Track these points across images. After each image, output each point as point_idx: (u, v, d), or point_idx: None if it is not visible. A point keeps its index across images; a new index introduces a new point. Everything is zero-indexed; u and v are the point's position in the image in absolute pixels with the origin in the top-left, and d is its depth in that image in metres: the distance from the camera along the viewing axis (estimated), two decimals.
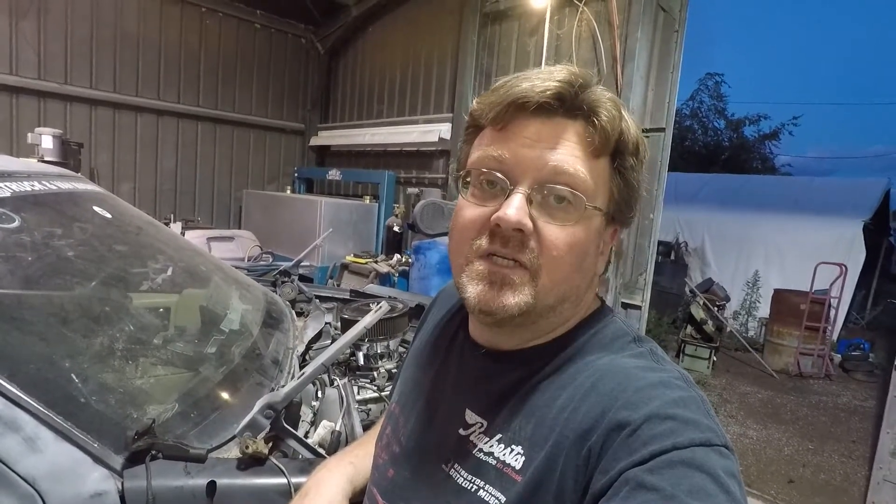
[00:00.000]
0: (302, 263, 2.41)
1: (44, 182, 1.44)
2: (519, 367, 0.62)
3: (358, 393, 1.48)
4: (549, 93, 0.54)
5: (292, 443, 1.05)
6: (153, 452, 0.89)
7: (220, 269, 1.86)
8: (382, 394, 1.50)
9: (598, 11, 3.74)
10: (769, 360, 6.07)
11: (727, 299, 6.78)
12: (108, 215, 1.60)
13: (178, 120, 5.81)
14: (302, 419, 1.26)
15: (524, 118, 0.56)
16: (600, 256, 0.62)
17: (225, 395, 1.20)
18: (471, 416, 0.63)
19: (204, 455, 0.93)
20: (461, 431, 0.63)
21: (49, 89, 4.87)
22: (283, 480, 0.92)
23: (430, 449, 0.66)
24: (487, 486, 0.56)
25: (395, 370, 1.58)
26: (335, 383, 1.41)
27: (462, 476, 0.59)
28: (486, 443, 0.59)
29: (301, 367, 1.43)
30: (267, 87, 6.48)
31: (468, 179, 0.59)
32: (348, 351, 1.61)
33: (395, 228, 4.90)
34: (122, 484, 0.84)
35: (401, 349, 1.74)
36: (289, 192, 6.33)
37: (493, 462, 0.57)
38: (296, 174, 6.67)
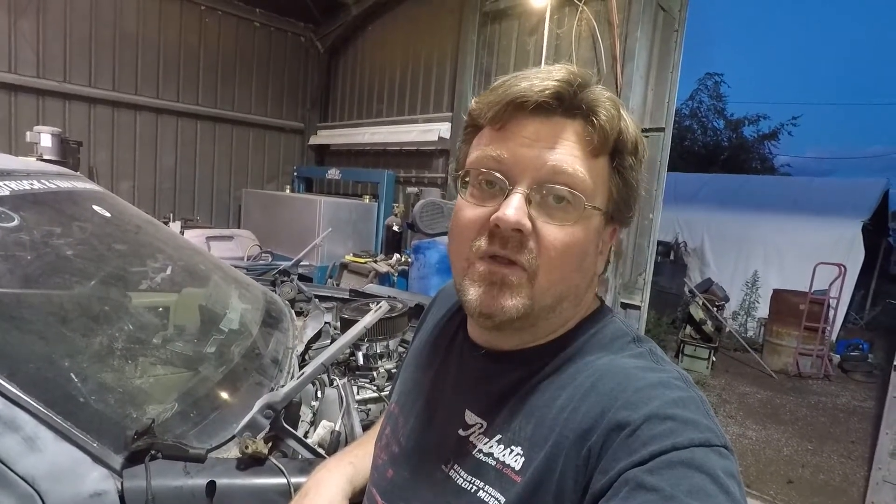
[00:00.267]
0: (301, 263, 2.41)
1: (43, 181, 1.44)
2: (519, 368, 0.62)
3: (357, 393, 1.48)
4: (547, 92, 0.54)
5: (292, 443, 1.05)
6: (153, 452, 0.89)
7: (219, 269, 1.86)
8: (382, 394, 1.50)
9: (597, 11, 3.74)
10: (768, 360, 6.08)
11: (726, 299, 6.78)
12: (108, 214, 1.60)
13: (177, 118, 5.81)
14: (301, 419, 1.26)
15: (523, 118, 0.56)
16: (599, 256, 0.62)
17: (224, 395, 1.19)
18: (470, 417, 0.63)
19: (203, 455, 0.93)
20: (461, 432, 0.63)
21: (48, 87, 4.87)
22: (282, 480, 0.92)
23: (430, 449, 0.66)
24: (487, 486, 0.56)
25: (394, 370, 1.58)
26: (335, 383, 1.41)
27: (462, 477, 0.59)
28: (485, 443, 0.59)
29: (300, 367, 1.43)
30: (266, 86, 6.47)
31: (467, 179, 0.59)
32: (348, 351, 1.61)
33: (395, 228, 4.90)
34: (122, 484, 0.84)
35: (400, 349, 1.74)
36: (288, 191, 6.33)
37: (493, 463, 0.57)
38: (295, 173, 6.66)
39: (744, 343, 6.37)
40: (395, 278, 4.37)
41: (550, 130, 0.55)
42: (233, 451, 1.00)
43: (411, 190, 5.24)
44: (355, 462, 0.81)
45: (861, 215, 7.18)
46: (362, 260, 4.68)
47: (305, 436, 1.16)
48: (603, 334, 0.62)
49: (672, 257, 7.95)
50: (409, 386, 0.77)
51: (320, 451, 1.06)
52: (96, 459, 0.85)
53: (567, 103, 0.55)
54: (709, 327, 5.67)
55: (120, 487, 0.83)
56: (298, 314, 1.97)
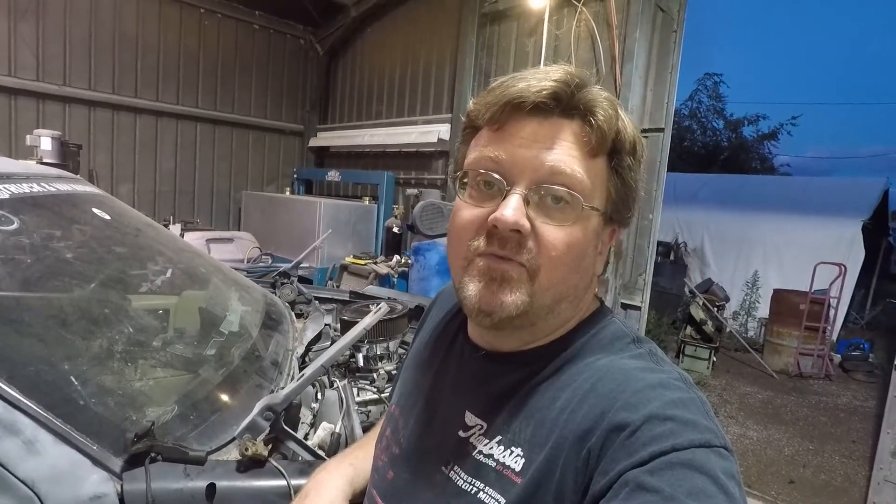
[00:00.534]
0: (301, 265, 2.41)
1: (42, 184, 1.44)
2: (518, 369, 0.62)
3: (357, 394, 1.48)
4: (545, 93, 0.54)
5: (292, 445, 1.05)
6: (152, 455, 0.88)
7: (219, 271, 1.86)
8: (382, 395, 1.50)
9: (596, 12, 3.75)
10: (769, 360, 6.07)
11: (727, 300, 6.79)
12: (107, 217, 1.60)
13: (177, 121, 5.81)
14: (301, 421, 1.26)
15: (520, 118, 0.56)
16: (599, 257, 0.62)
17: (224, 397, 1.19)
18: (470, 418, 0.63)
19: (203, 457, 0.93)
20: (461, 433, 0.63)
21: (48, 91, 4.87)
22: (282, 482, 0.92)
23: (430, 451, 0.66)
24: (487, 488, 0.56)
25: (394, 371, 1.58)
26: (335, 385, 1.41)
27: (462, 478, 0.59)
28: (485, 445, 0.59)
29: (300, 369, 1.43)
30: (266, 88, 6.48)
31: (465, 180, 0.59)
32: (348, 352, 1.61)
33: (395, 229, 4.90)
34: (122, 486, 0.84)
35: (400, 350, 1.74)
36: (288, 193, 6.33)
37: (493, 464, 0.57)
38: (295, 175, 6.67)
39: (744, 343, 6.36)
40: (395, 280, 4.37)
41: (548, 131, 0.55)
42: (233, 454, 1.00)
43: (411, 191, 5.24)
44: (355, 464, 0.81)
45: (861, 215, 7.18)
46: (362, 261, 4.68)
47: (305, 438, 1.16)
48: (603, 335, 0.62)
49: (672, 258, 7.95)
50: (409, 387, 0.77)
51: (320, 452, 1.06)
52: (96, 462, 0.84)
53: (564, 104, 0.55)
54: (709, 327, 5.67)
55: (120, 490, 0.83)
56: (298, 316, 1.97)
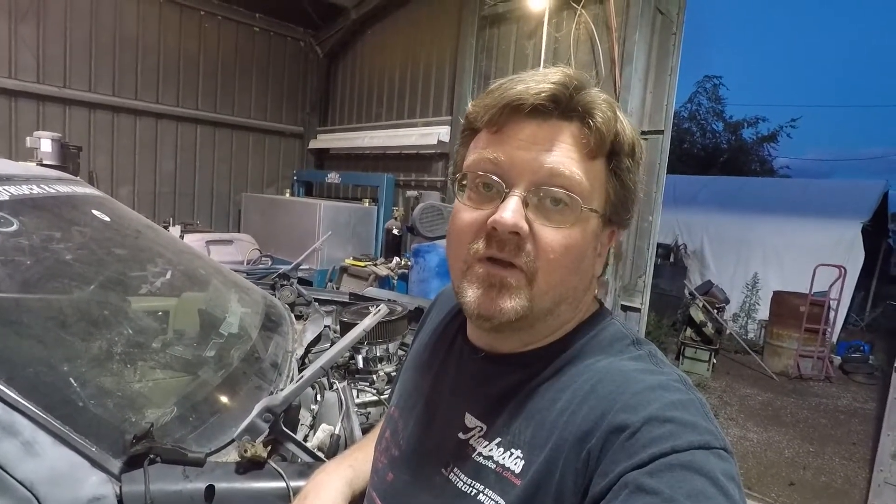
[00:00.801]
0: (301, 266, 2.41)
1: (42, 185, 1.44)
2: (518, 371, 0.62)
3: (357, 396, 1.48)
4: (543, 95, 0.54)
5: (291, 446, 1.05)
6: (151, 456, 0.88)
7: (218, 273, 1.86)
8: (381, 397, 1.50)
9: (595, 14, 3.75)
10: (769, 362, 6.07)
11: (726, 301, 6.78)
12: (107, 219, 1.60)
13: (177, 123, 5.82)
14: (301, 423, 1.26)
15: (519, 120, 0.56)
16: (598, 258, 0.62)
17: (224, 399, 1.19)
18: (470, 420, 0.63)
19: (202, 459, 0.93)
20: (460, 435, 0.63)
21: (48, 93, 4.88)
22: (281, 484, 0.92)
23: (430, 453, 0.66)
24: (487, 490, 0.56)
25: (394, 373, 1.58)
26: (334, 387, 1.41)
27: (461, 480, 0.59)
28: (485, 446, 0.59)
29: (300, 371, 1.43)
30: (266, 91, 6.49)
31: (464, 182, 0.59)
32: (347, 354, 1.61)
33: (395, 231, 4.91)
34: (120, 488, 0.84)
35: (400, 352, 1.74)
36: (288, 195, 6.34)
37: (493, 466, 0.57)
38: (295, 177, 6.67)
39: (744, 345, 6.36)
40: (395, 282, 4.37)
41: (547, 133, 0.55)
42: (232, 455, 0.99)
43: (411, 193, 5.25)
44: (355, 465, 0.81)
45: (861, 217, 7.19)
46: (362, 263, 4.68)
47: (305, 439, 1.16)
48: (602, 337, 0.62)
49: (672, 259, 7.95)
50: (409, 389, 0.77)
51: (320, 454, 1.06)
52: (95, 464, 0.84)
53: (563, 106, 0.55)
54: (709, 329, 5.67)
55: (118, 492, 0.83)
56: (298, 318, 1.97)
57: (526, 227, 0.54)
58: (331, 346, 1.57)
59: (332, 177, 6.03)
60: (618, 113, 0.57)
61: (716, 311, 6.01)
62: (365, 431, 1.11)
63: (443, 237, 3.74)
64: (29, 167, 1.91)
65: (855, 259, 6.90)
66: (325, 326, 1.84)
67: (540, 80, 0.55)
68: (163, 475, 0.88)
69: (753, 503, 3.27)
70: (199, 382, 1.19)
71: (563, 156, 0.55)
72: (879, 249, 8.91)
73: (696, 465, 0.45)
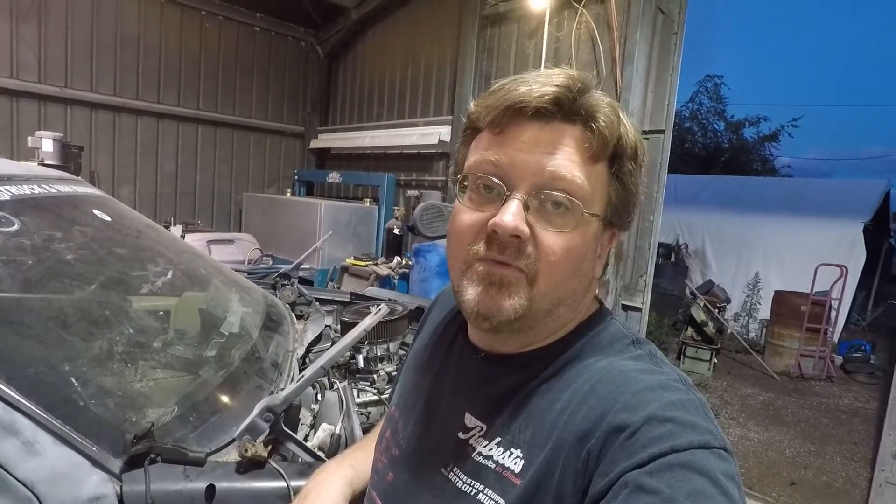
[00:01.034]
0: (302, 266, 2.41)
1: (44, 185, 1.44)
2: (518, 371, 0.62)
3: (357, 396, 1.48)
4: (546, 97, 0.54)
5: (291, 446, 1.05)
6: (152, 456, 0.88)
7: (219, 272, 1.86)
8: (382, 397, 1.50)
9: (597, 14, 3.75)
10: (770, 361, 6.06)
11: (728, 301, 6.78)
12: (108, 218, 1.60)
13: (178, 123, 5.82)
14: (301, 422, 1.26)
15: (522, 122, 0.56)
16: (598, 260, 0.61)
17: (224, 399, 1.19)
18: (470, 420, 0.63)
19: (203, 458, 0.93)
20: (460, 435, 0.63)
21: (49, 93, 4.89)
22: (282, 484, 0.92)
23: (430, 452, 0.66)
24: (487, 489, 0.56)
25: (394, 373, 1.58)
26: (335, 386, 1.41)
27: (461, 480, 0.59)
28: (485, 446, 0.59)
29: (301, 370, 1.43)
30: (267, 90, 6.49)
31: (465, 183, 0.59)
32: (348, 354, 1.61)
33: (395, 231, 4.91)
34: (121, 488, 0.84)
35: (400, 352, 1.74)
36: (289, 194, 6.34)
37: (493, 466, 0.57)
38: (296, 177, 6.67)
39: (745, 345, 6.36)
40: (396, 281, 4.37)
41: (549, 136, 0.55)
42: (232, 455, 0.99)
43: (412, 193, 5.25)
44: (355, 465, 0.81)
45: (862, 216, 7.18)
46: (363, 263, 4.68)
47: (305, 439, 1.16)
48: (602, 337, 0.62)
49: (673, 259, 7.95)
50: (409, 389, 0.77)
51: (320, 454, 1.06)
52: (95, 463, 0.84)
53: (566, 109, 0.55)
54: (710, 329, 5.66)
55: (119, 491, 0.83)
56: (299, 317, 1.97)
57: (527, 230, 0.54)
58: (331, 345, 1.57)
59: (333, 176, 6.03)
60: (621, 116, 0.57)
61: (717, 310, 6.01)
62: (365, 431, 1.11)
63: (443, 237, 3.73)
64: (30, 167, 1.91)
65: (856, 258, 6.89)
66: (326, 326, 1.84)
67: (543, 83, 0.54)
68: (163, 475, 0.88)
69: (755, 503, 3.26)
70: (199, 382, 1.20)
71: (565, 159, 0.55)
72: (881, 249, 8.90)
73: (696, 464, 0.45)
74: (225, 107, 6.14)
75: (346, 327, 1.65)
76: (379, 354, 1.65)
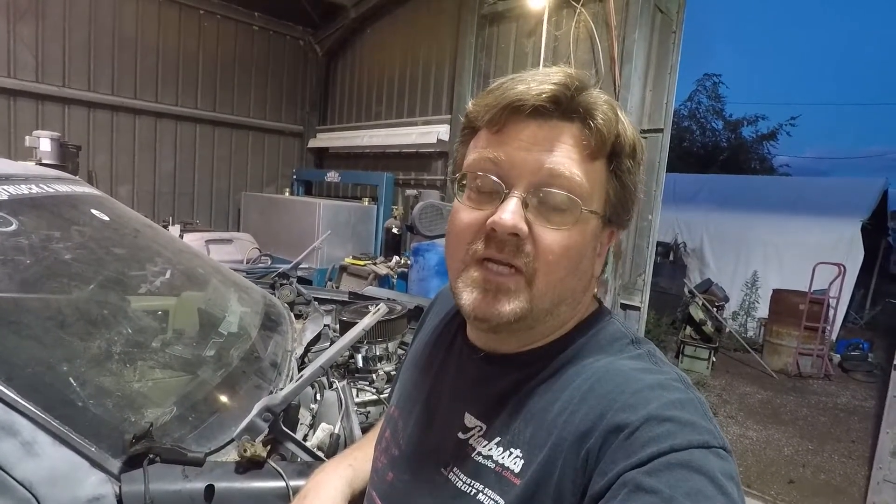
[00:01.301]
0: (300, 266, 2.41)
1: (41, 185, 1.44)
2: (517, 371, 0.62)
3: (357, 395, 1.48)
4: (544, 96, 0.54)
5: (291, 446, 1.05)
6: (151, 456, 0.88)
7: (218, 272, 1.86)
8: (381, 396, 1.50)
9: (595, 13, 3.75)
10: (768, 360, 6.07)
11: (726, 300, 6.78)
12: (106, 218, 1.60)
13: (176, 122, 5.81)
14: (300, 422, 1.26)
15: (520, 121, 0.55)
16: (597, 259, 0.61)
17: (223, 399, 1.19)
18: (470, 420, 0.63)
19: (202, 459, 0.93)
20: (460, 435, 0.63)
21: (47, 92, 4.87)
22: (281, 484, 0.92)
23: (429, 452, 0.66)
24: (486, 489, 0.56)
25: (393, 372, 1.58)
26: (334, 386, 1.40)
27: (461, 480, 0.59)
28: (485, 446, 0.59)
29: (299, 370, 1.43)
30: (265, 90, 6.48)
31: (464, 182, 0.59)
32: (347, 353, 1.61)
33: (394, 230, 4.90)
34: (120, 488, 0.84)
35: (399, 351, 1.74)
36: (287, 194, 6.33)
37: (493, 465, 0.57)
38: (294, 176, 6.67)
39: (744, 343, 6.37)
40: (395, 280, 4.37)
41: (547, 134, 0.55)
42: (231, 455, 0.99)
43: (410, 192, 5.24)
44: (355, 465, 0.81)
45: (860, 215, 7.19)
46: (361, 262, 4.68)
47: (304, 439, 1.16)
48: (601, 336, 0.62)
49: (671, 258, 7.96)
50: (409, 388, 0.77)
51: (319, 453, 1.06)
52: (94, 464, 0.84)
53: (564, 107, 0.55)
54: (709, 328, 5.67)
55: (118, 492, 0.83)
56: (298, 317, 1.97)
57: (525, 228, 0.54)
58: (330, 345, 1.57)
59: (332, 176, 6.02)
60: (619, 114, 0.57)
61: (715, 309, 6.02)
62: (364, 431, 1.11)
63: (442, 236, 3.74)
64: (28, 166, 1.91)
65: (854, 257, 6.90)
66: (325, 325, 1.84)
67: (541, 81, 0.54)
68: (162, 475, 0.88)
69: (753, 501, 3.27)
70: (198, 382, 1.19)
71: (564, 157, 0.55)
72: (879, 247, 8.92)
73: (695, 464, 0.45)
74: (223, 106, 6.13)
75: (345, 327, 1.65)
76: (378, 354, 1.65)
